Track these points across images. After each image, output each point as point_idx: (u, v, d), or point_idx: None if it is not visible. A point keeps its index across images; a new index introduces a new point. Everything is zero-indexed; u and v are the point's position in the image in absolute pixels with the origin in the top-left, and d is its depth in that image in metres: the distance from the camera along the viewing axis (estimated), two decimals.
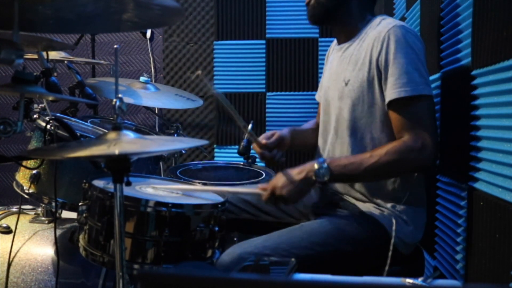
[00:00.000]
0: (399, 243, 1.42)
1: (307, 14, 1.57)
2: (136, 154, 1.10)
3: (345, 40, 1.57)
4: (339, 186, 1.56)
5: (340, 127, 1.52)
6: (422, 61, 1.40)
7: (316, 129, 1.76)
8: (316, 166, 1.36)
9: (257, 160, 2.22)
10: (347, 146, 1.50)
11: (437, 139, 1.39)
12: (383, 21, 1.48)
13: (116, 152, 0.97)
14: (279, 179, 1.39)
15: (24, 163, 1.65)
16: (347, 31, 1.55)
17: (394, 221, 1.41)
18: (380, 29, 1.44)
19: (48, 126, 1.61)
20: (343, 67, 1.53)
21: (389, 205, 1.45)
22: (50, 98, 1.93)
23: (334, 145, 1.55)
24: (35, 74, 1.28)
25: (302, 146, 1.80)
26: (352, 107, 1.47)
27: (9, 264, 1.66)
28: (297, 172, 1.38)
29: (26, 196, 1.72)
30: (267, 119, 3.07)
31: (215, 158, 3.12)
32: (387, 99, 1.39)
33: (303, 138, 1.79)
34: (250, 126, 2.15)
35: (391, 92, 1.38)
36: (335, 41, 1.68)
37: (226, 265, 1.31)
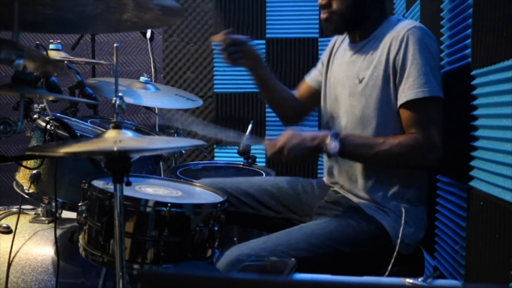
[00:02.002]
0: (400, 244, 1.42)
1: (327, 28, 1.57)
2: (136, 152, 1.10)
3: (360, 40, 1.56)
4: (343, 183, 1.56)
5: (350, 124, 1.52)
6: (437, 64, 1.42)
7: (293, 98, 1.78)
8: (329, 138, 1.37)
9: (257, 160, 2.22)
10: None
11: (440, 143, 1.40)
12: (401, 21, 1.48)
13: (115, 148, 0.97)
14: (290, 139, 1.38)
15: (24, 163, 1.65)
16: (362, 31, 1.55)
17: (391, 219, 1.42)
18: (398, 29, 1.44)
19: (48, 126, 1.61)
20: (357, 65, 1.52)
21: (391, 205, 1.45)
22: (50, 98, 1.93)
23: None
24: (35, 74, 1.28)
25: (272, 93, 1.76)
26: (364, 104, 1.47)
27: (9, 264, 1.66)
28: (310, 139, 1.38)
29: (26, 196, 1.72)
30: (267, 119, 3.07)
31: (215, 158, 3.12)
32: (404, 99, 1.40)
33: (279, 87, 1.77)
34: (250, 126, 2.16)
35: (409, 92, 1.39)
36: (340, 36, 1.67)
37: (223, 267, 1.31)
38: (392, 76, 1.43)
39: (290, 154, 1.37)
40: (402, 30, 1.42)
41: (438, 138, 1.38)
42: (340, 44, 1.68)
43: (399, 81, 1.41)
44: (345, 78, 1.56)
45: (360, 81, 1.48)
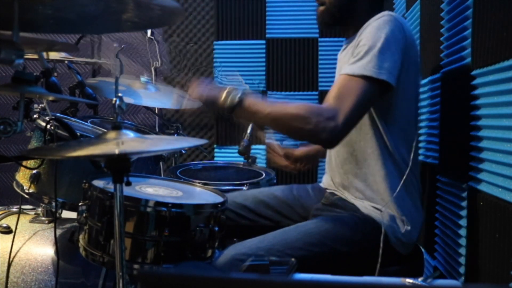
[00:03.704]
0: (397, 243, 1.42)
1: (321, 20, 1.58)
2: (137, 154, 1.10)
3: (351, 35, 1.56)
4: (338, 183, 1.56)
5: None
6: (392, 50, 1.34)
7: None
8: (232, 89, 1.36)
9: (257, 160, 2.22)
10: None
11: (350, 125, 1.32)
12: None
13: (116, 151, 0.97)
14: (208, 82, 1.43)
15: (24, 163, 1.65)
16: (355, 27, 1.55)
17: (388, 218, 1.41)
18: (372, 19, 1.43)
19: (48, 126, 1.61)
20: (345, 61, 1.52)
21: (387, 204, 1.45)
22: (50, 98, 1.93)
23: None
24: (35, 74, 1.28)
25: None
26: None
27: (9, 264, 1.66)
28: (220, 87, 1.40)
29: (26, 196, 1.72)
30: None
31: (215, 158, 3.12)
32: (341, 71, 1.37)
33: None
34: (250, 126, 2.16)
35: (348, 67, 1.35)
36: None
37: (220, 267, 1.31)
38: None
39: (197, 88, 1.41)
40: (372, 19, 1.41)
41: (345, 114, 1.27)
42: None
43: (350, 57, 1.39)
44: (337, 76, 1.57)
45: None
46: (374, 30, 1.36)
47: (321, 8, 1.56)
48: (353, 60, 1.35)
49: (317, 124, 1.27)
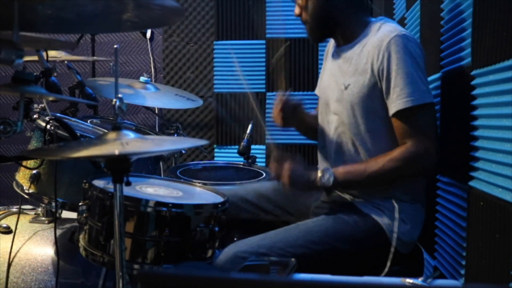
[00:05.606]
0: (397, 242, 1.42)
1: (307, 33, 1.60)
2: (137, 154, 1.10)
3: (344, 43, 1.56)
4: None
5: (339, 128, 1.53)
6: (423, 70, 1.42)
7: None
8: (321, 172, 1.41)
9: (257, 160, 2.22)
10: (347, 147, 1.50)
11: (437, 144, 1.41)
12: (384, 26, 1.47)
13: (116, 152, 0.97)
14: (292, 171, 1.41)
15: (24, 163, 1.65)
16: (346, 35, 1.55)
17: (388, 216, 1.42)
18: (381, 37, 1.43)
19: (48, 126, 1.61)
20: (343, 71, 1.52)
21: (387, 203, 1.46)
22: (50, 98, 1.93)
23: (333, 144, 1.55)
24: (35, 74, 1.28)
25: (309, 129, 1.80)
26: (351, 111, 1.48)
27: (9, 264, 1.66)
28: (306, 176, 1.43)
29: (26, 196, 1.72)
30: (267, 119, 3.07)
31: (215, 158, 3.13)
32: (394, 109, 1.40)
33: (312, 121, 1.80)
34: (250, 126, 2.16)
35: (398, 102, 1.39)
36: None
37: (221, 265, 1.31)
38: (378, 85, 1.43)
39: (286, 187, 1.43)
40: (385, 39, 1.42)
41: (430, 143, 1.39)
42: (332, 47, 1.69)
43: (387, 92, 1.41)
44: (334, 83, 1.57)
45: (346, 88, 1.49)
46: (401, 57, 1.39)
47: (307, 27, 1.58)
48: (400, 93, 1.38)
49: (417, 167, 1.41)
